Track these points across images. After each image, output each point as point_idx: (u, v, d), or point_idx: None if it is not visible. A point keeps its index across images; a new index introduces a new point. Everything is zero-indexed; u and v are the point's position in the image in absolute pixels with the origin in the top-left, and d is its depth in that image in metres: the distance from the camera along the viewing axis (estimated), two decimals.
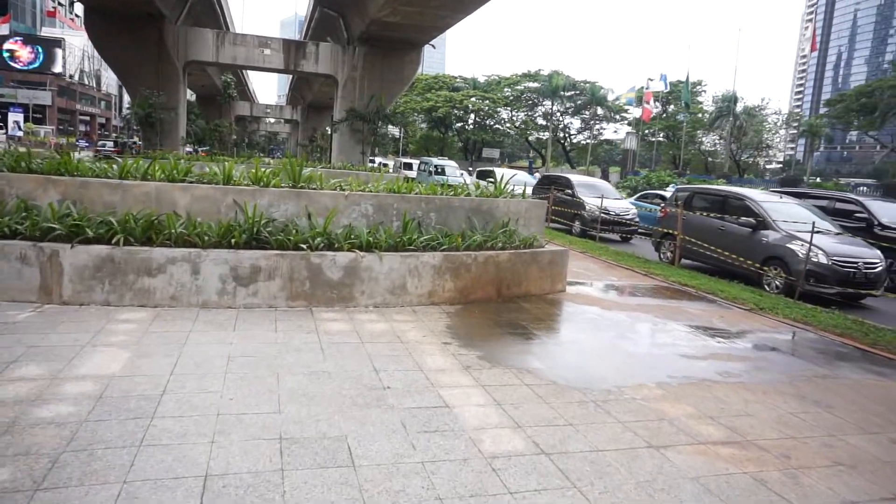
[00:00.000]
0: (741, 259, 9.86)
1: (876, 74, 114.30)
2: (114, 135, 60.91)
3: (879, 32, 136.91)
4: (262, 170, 6.93)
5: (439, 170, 28.56)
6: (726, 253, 10.19)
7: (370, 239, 6.27)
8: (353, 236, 6.31)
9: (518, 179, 15.52)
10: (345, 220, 6.67)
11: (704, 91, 67.29)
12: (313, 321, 5.49)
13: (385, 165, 41.89)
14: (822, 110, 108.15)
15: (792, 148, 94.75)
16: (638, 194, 19.83)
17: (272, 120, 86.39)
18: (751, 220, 10.14)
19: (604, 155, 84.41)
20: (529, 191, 11.82)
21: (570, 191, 17.19)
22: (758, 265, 9.61)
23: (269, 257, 5.75)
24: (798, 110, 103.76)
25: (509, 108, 72.25)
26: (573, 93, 70.74)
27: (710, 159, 70.90)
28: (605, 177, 47.47)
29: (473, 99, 67.56)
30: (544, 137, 75.18)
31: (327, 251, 6.03)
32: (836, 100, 65.61)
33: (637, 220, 16.05)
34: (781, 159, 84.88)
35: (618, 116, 73.09)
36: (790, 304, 8.16)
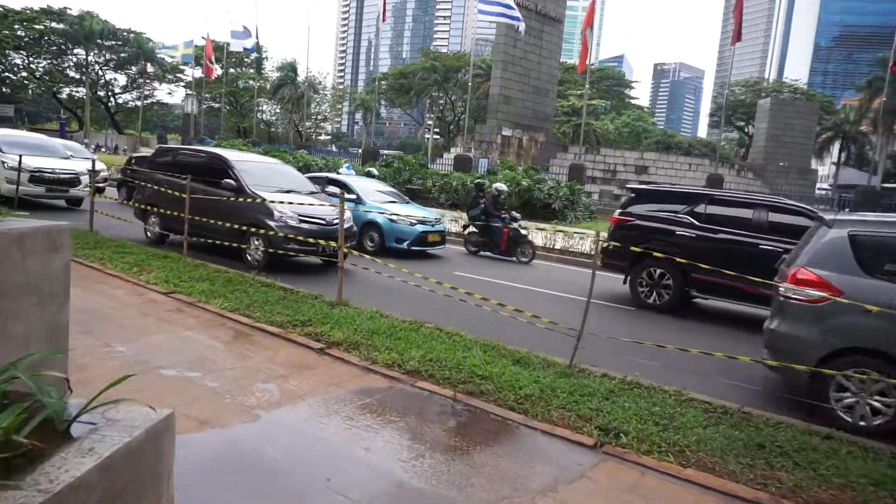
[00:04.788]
0: None
1: (398, 61, 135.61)
2: None
3: (397, 28, 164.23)
4: None
5: None
6: None
7: None
8: None
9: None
10: None
11: (267, 58, 65.80)
12: None
13: None
14: (360, 87, 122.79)
15: (338, 121, 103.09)
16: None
17: None
18: None
19: (157, 119, 74.75)
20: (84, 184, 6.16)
21: (232, 182, 8.95)
22: None
23: None
24: (341, 86, 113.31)
25: (24, 53, 56.22)
26: (114, 43, 59.81)
27: (272, 129, 70.13)
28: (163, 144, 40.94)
29: None
30: (80, 94, 61.56)
31: None
32: (382, 77, 73.12)
33: (355, 228, 10.36)
34: (329, 131, 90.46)
35: (172, 77, 65.26)
36: None
